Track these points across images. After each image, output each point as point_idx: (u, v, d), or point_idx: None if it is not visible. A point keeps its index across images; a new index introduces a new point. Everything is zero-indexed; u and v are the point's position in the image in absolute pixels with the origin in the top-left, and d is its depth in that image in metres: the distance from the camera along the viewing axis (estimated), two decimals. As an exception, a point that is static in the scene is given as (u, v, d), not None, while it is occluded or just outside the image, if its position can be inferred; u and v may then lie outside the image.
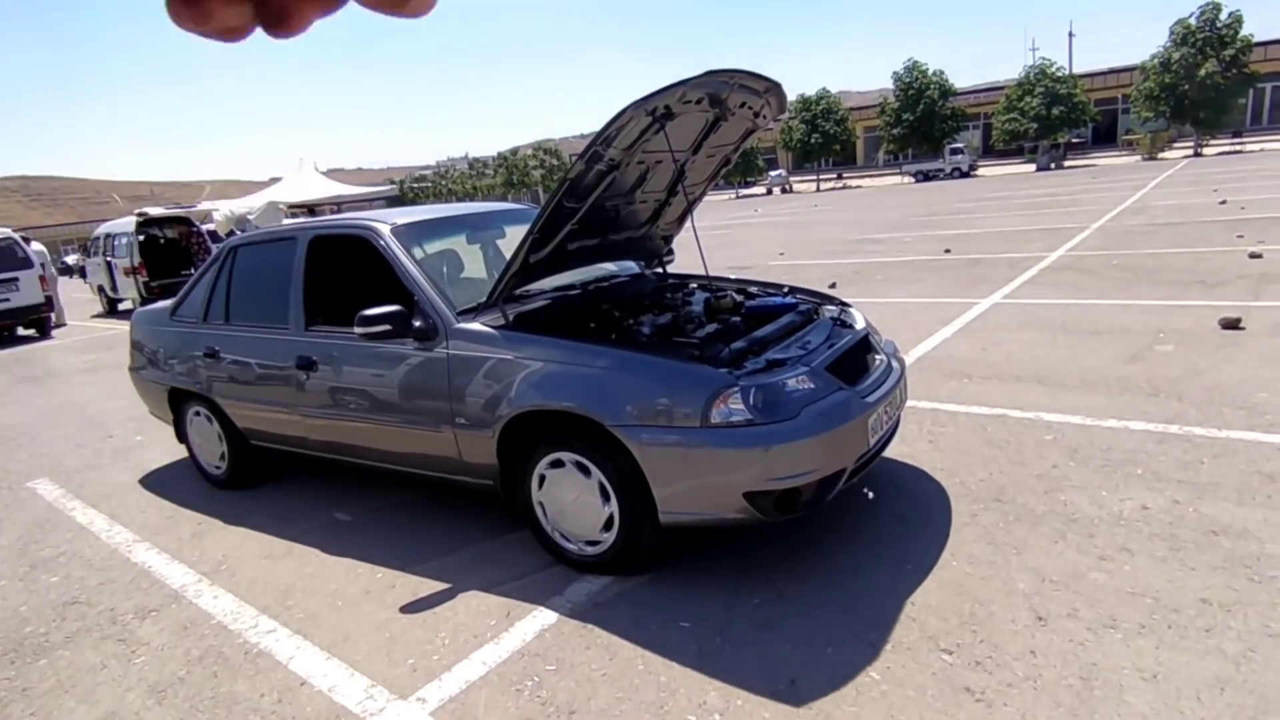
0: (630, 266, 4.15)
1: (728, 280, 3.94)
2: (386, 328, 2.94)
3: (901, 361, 3.23)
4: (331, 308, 3.59)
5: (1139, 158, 33.45)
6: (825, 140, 42.50)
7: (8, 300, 12.14)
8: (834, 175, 46.70)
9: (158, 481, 4.53)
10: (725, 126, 3.26)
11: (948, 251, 10.69)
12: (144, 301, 14.42)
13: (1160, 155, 32.69)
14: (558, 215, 2.89)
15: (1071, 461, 3.35)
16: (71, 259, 42.08)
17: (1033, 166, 36.12)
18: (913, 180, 38.79)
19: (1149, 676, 1.98)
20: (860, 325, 3.25)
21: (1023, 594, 2.40)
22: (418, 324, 3.03)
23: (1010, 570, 2.55)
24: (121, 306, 15.72)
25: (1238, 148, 31.93)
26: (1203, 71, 29.86)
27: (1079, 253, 9.34)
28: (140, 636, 2.77)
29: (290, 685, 2.37)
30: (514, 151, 64.60)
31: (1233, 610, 2.21)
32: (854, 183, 43.75)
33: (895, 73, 40.21)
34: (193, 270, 14.74)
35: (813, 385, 2.62)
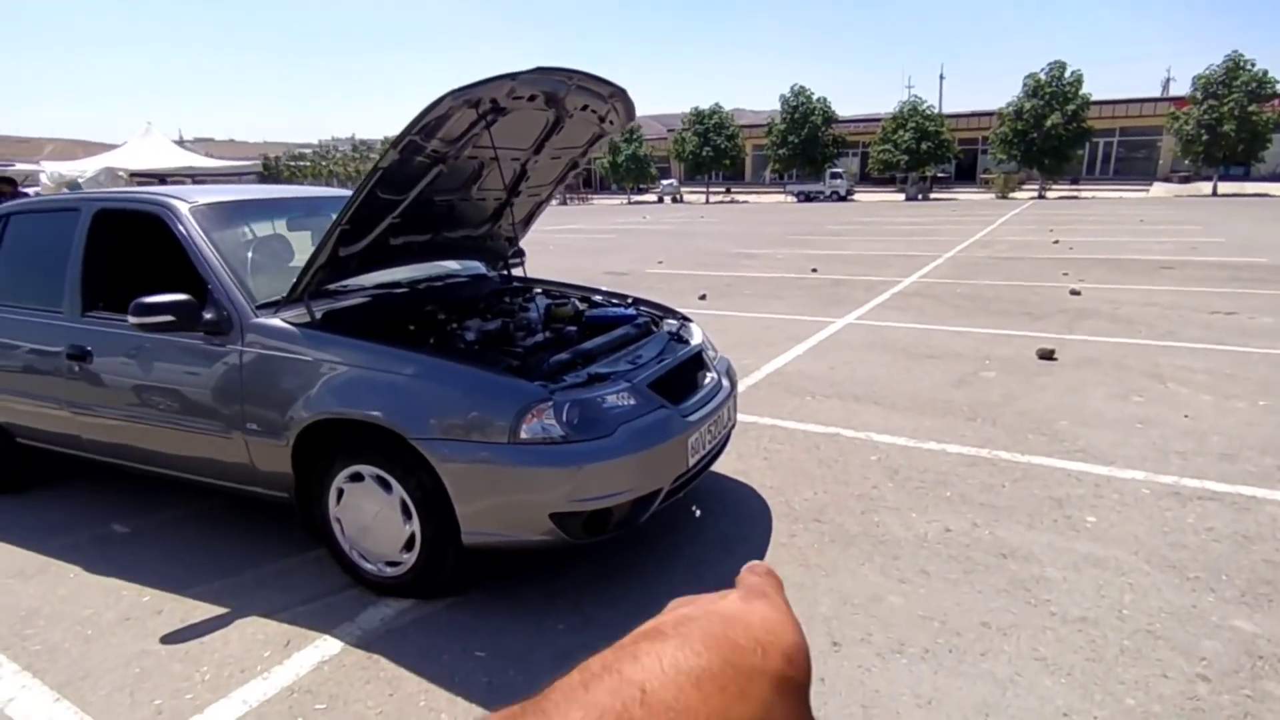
0: (476, 267, 3.95)
1: (573, 287, 3.82)
2: (168, 319, 2.60)
3: (733, 379, 3.22)
4: (116, 292, 3.16)
5: (994, 195, 36.49)
6: (716, 154, 43.65)
7: None
8: (723, 189, 48.03)
9: (-99, 482, 3.86)
10: (568, 128, 3.14)
11: (814, 271, 11.11)
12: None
13: (1011, 195, 35.80)
14: (372, 206, 2.66)
15: (890, 482, 3.46)
16: None
17: (903, 196, 38.63)
18: (795, 200, 40.49)
19: (924, 703, 2.01)
20: (695, 341, 3.21)
21: (823, 618, 2.42)
22: (209, 316, 2.70)
23: (817, 593, 2.56)
24: (-86, 273, 13.68)
25: (1075, 193, 35.52)
26: (1049, 122, 32.98)
27: (930, 280, 9.95)
28: None
29: (-1, 735, 2.02)
30: (402, 137, 61.48)
31: (1008, 633, 2.30)
32: (741, 198, 45.14)
33: (783, 95, 41.88)
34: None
35: (633, 402, 2.53)
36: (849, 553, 2.83)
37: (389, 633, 2.42)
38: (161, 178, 16.50)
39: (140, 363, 2.92)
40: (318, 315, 2.74)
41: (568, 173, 3.63)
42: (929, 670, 2.14)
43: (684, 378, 2.91)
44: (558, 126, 3.10)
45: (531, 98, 2.70)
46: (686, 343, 3.18)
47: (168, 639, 2.42)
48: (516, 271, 4.08)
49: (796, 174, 44.32)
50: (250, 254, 3.06)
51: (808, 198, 40.03)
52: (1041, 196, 34.10)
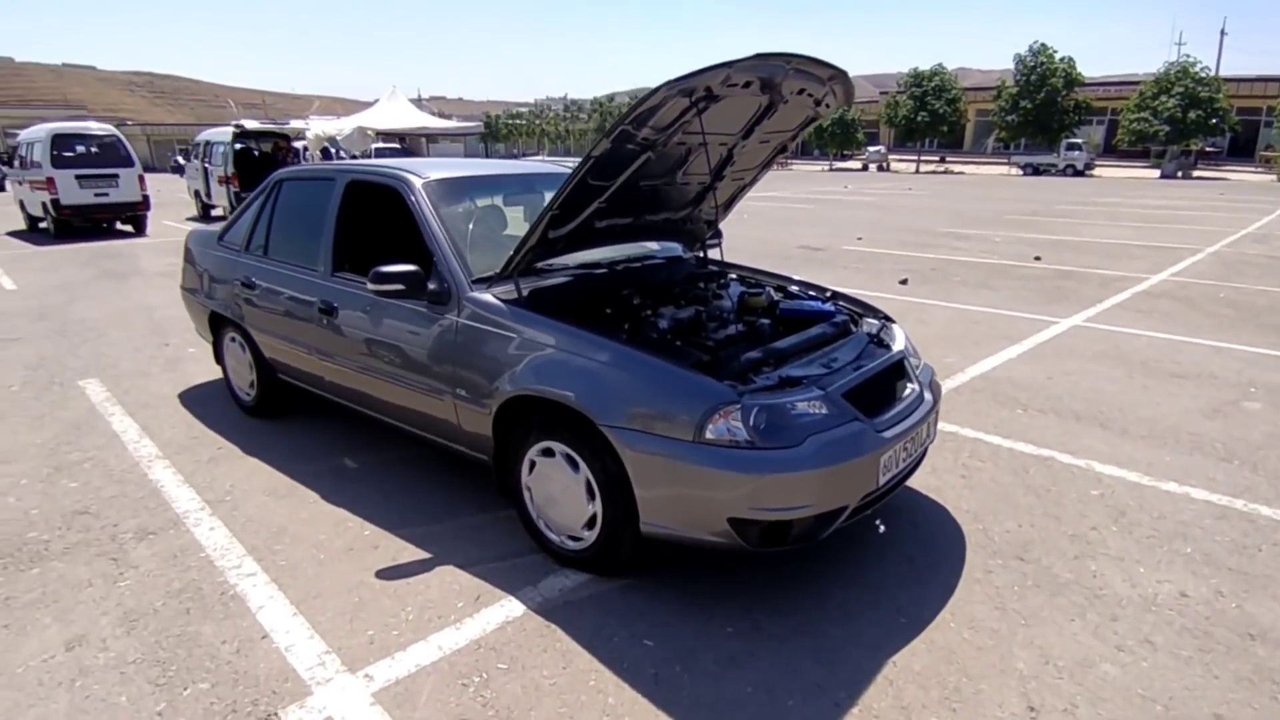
0: (672, 248, 3.95)
1: (768, 275, 3.70)
2: (399, 287, 2.87)
3: (936, 392, 2.97)
4: (359, 255, 3.54)
5: (1275, 177, 30.50)
6: (933, 119, 40.43)
7: (107, 195, 12.80)
8: (936, 158, 44.52)
9: (195, 398, 4.68)
10: (781, 112, 3.00)
11: (1038, 259, 9.98)
12: (232, 210, 15.02)
13: (1303, 176, 29.71)
14: (582, 192, 2.72)
15: (1114, 526, 3.04)
16: (183, 160, 44.44)
17: (1157, 172, 33.51)
18: (1020, 173, 36.61)
19: (1138, 802, 1.76)
20: (898, 347, 2.99)
21: (1019, 675, 2.19)
22: (432, 286, 2.94)
23: (1013, 644, 2.32)
24: (214, 212, 16.41)
25: (1399, 177, 28.70)
26: (1373, 87, 26.73)
27: (1184, 279, 8.56)
28: (132, 559, 2.85)
29: (252, 637, 2.38)
30: (610, 98, 64.09)
31: (1256, 739, 1.94)
32: (956, 168, 41.58)
33: (1018, 55, 37.64)
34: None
35: (824, 411, 2.41)
36: (1056, 603, 2.53)
37: (566, 604, 2.54)
38: (401, 136, 18.29)
39: (374, 322, 3.25)
40: (524, 293, 2.88)
41: (775, 156, 3.49)
42: (1146, 763, 1.87)
43: (882, 387, 2.73)
44: (770, 110, 2.97)
45: (747, 84, 2.60)
46: (887, 347, 2.97)
47: (381, 574, 2.72)
48: (713, 253, 4.03)
49: (1025, 143, 39.92)
50: (470, 228, 3.27)
51: (1036, 170, 36.01)
52: (1349, 180, 27.95)
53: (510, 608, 2.52)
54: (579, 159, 2.65)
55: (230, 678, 2.20)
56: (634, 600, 2.56)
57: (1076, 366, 5.19)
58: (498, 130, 61.10)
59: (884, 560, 2.80)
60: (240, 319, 4.07)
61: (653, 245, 3.88)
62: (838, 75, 2.85)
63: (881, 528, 3.00)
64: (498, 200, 3.66)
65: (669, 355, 2.51)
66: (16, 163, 14.15)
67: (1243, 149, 37.96)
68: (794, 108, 3.01)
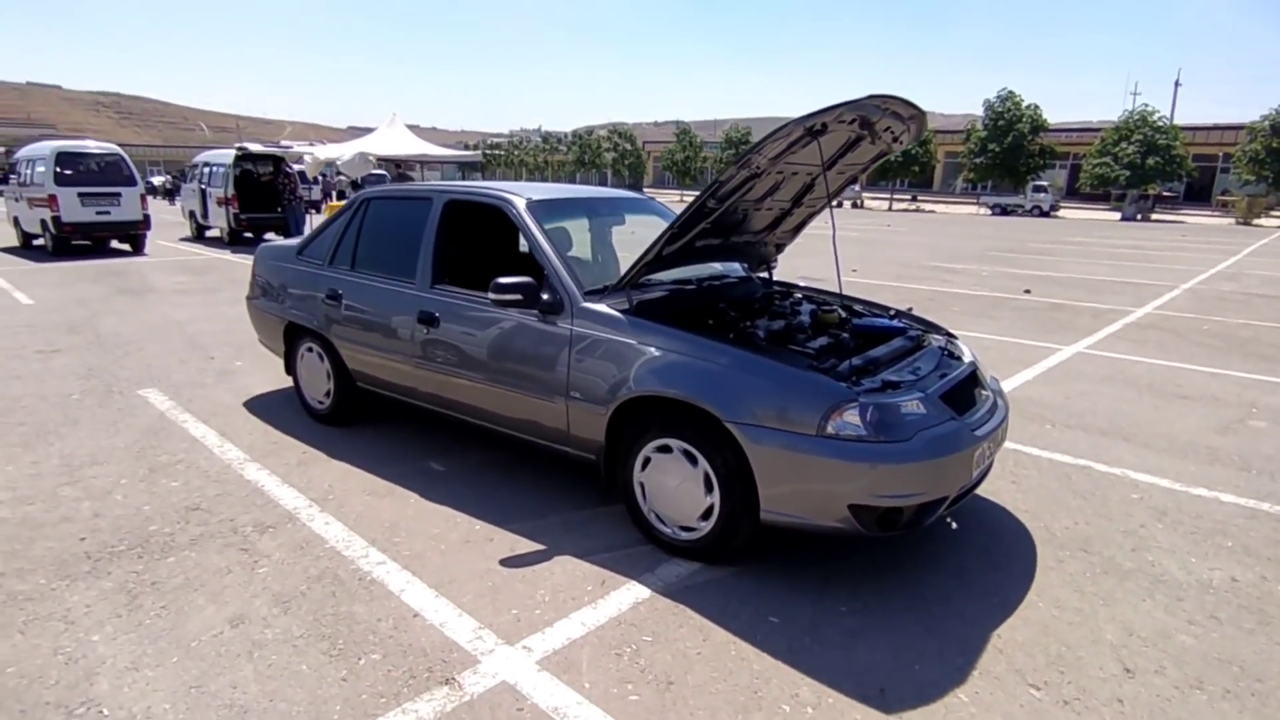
0: (735, 268, 4.25)
1: (833, 294, 4.01)
2: (518, 297, 3.11)
3: (1006, 401, 3.28)
4: (457, 269, 3.77)
5: (1232, 221, 32.16)
6: (905, 159, 41.73)
7: (108, 214, 12.78)
8: (909, 196, 45.93)
9: (260, 406, 4.81)
10: (863, 146, 3.33)
11: (1027, 292, 10.52)
12: (232, 232, 15.03)
13: (1255, 221, 31.39)
14: (699, 213, 3.01)
15: (1159, 524, 3.36)
16: (157, 180, 44.03)
17: (1117, 215, 35.04)
18: (989, 213, 37.96)
19: (1238, 743, 2.03)
20: (968, 358, 3.30)
21: (1110, 644, 2.46)
22: (545, 297, 3.18)
23: (1098, 620, 2.60)
24: (209, 234, 16.40)
25: (1341, 224, 30.44)
26: (1316, 140, 28.52)
27: (1166, 312, 9.12)
28: (261, 549, 3.00)
29: (404, 615, 2.56)
30: (589, 131, 64.94)
31: (1325, 694, 2.23)
32: (928, 207, 42.94)
33: (987, 100, 39.31)
34: (280, 209, 15.26)
35: (925, 411, 2.70)
36: (1126, 586, 2.82)
37: (687, 588, 2.76)
38: (398, 163, 18.47)
39: (479, 331, 3.47)
40: (634, 304, 3.14)
41: (844, 187, 3.82)
42: (1233, 709, 2.15)
43: (964, 393, 3.02)
44: (856, 144, 3.30)
45: (851, 121, 2.92)
46: (959, 359, 3.28)
47: (505, 562, 2.91)
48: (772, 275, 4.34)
49: (992, 185, 41.50)
50: (570, 246, 3.53)
51: (1004, 211, 37.39)
52: (1296, 225, 29.59)
53: (637, 591, 2.73)
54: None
55: (398, 649, 2.37)
56: (748, 584, 2.79)
57: (1089, 389, 5.58)
58: (486, 161, 61.61)
59: (961, 551, 3.08)
60: (324, 330, 4.24)
61: (718, 266, 4.18)
62: (917, 115, 3.19)
63: (954, 525, 3.28)
64: (585, 220, 3.93)
65: (783, 359, 2.78)
66: (13, 179, 14.04)
67: (1198, 194, 39.98)
68: (875, 143, 3.35)
